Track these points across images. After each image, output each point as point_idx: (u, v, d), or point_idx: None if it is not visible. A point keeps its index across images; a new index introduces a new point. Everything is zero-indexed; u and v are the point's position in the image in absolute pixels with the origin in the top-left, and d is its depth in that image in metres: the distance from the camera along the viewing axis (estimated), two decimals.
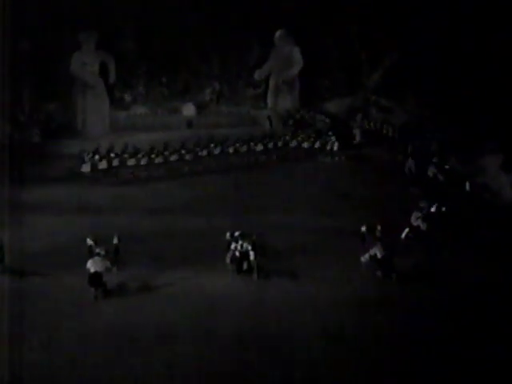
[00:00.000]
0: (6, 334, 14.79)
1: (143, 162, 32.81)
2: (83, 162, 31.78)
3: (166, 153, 34.11)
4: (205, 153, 35.04)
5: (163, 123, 46.14)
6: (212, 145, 35.83)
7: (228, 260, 17.81)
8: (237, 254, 17.82)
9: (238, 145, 36.48)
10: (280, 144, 37.58)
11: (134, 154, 33.18)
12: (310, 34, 45.51)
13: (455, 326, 15.09)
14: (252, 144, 36.60)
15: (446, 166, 27.88)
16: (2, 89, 35.18)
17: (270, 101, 47.14)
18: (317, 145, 37.31)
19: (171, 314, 15.77)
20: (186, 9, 47.37)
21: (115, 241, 17.62)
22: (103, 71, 45.01)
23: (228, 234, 18.40)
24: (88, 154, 32.85)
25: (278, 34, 45.63)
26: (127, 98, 48.46)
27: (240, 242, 17.82)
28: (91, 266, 16.26)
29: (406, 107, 43.67)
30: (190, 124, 45.98)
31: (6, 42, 40.34)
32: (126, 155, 32.99)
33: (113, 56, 45.10)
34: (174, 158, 34.02)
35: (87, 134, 43.23)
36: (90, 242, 17.53)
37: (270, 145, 37.38)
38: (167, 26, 47.56)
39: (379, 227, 18.81)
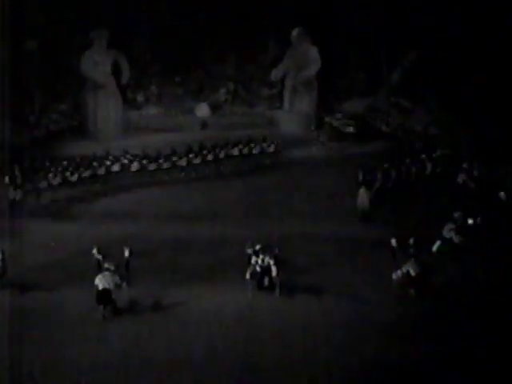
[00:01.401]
0: (7, 357, 13.51)
1: (165, 165, 31.52)
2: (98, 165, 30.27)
3: (183, 156, 32.58)
4: (222, 154, 33.44)
5: (176, 124, 44.95)
6: (228, 146, 34.24)
7: (248, 275, 16.36)
8: (257, 268, 16.40)
9: (252, 146, 34.96)
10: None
11: (154, 158, 31.87)
12: (327, 32, 44.07)
13: (499, 357, 13.54)
14: (265, 146, 35.12)
15: (475, 173, 26.27)
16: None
17: (286, 102, 45.70)
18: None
19: (185, 336, 14.40)
20: (200, 7, 46.39)
21: (126, 254, 16.20)
22: (116, 71, 43.92)
23: (248, 247, 16.95)
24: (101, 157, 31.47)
25: (294, 32, 44.13)
26: (139, 98, 47.31)
27: (261, 256, 16.41)
28: (99, 282, 14.91)
29: (428, 108, 42.19)
30: (204, 125, 44.78)
31: (11, 42, 39.77)
32: (145, 160, 31.51)
33: (125, 55, 43.91)
34: (194, 160, 32.44)
35: (98, 135, 42.07)
36: (97, 255, 16.13)
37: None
38: (181, 25, 46.67)
39: (412, 240, 17.28)
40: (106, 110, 42.71)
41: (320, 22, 43.81)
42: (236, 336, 14.48)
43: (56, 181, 27.24)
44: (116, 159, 31.40)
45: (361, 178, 26.15)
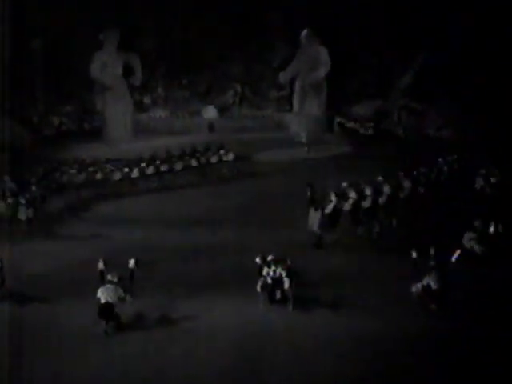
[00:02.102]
0: (6, 373, 12.69)
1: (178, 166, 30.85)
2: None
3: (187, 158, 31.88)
4: (231, 157, 32.74)
5: (184, 127, 44.68)
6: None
7: (259, 288, 15.46)
8: (269, 280, 15.51)
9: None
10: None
11: (167, 160, 31.38)
12: (336, 34, 43.28)
13: None
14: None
15: (492, 179, 25.28)
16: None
17: (295, 104, 44.96)
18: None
19: (194, 353, 13.50)
20: (207, 7, 45.72)
21: (131, 264, 15.26)
22: (126, 72, 43.58)
23: (259, 258, 16.05)
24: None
25: (303, 33, 43.44)
26: (146, 100, 46.63)
27: (273, 267, 15.51)
28: (101, 295, 14.03)
29: (440, 110, 41.35)
30: (211, 127, 44.14)
31: (14, 40, 39.29)
32: (157, 161, 30.71)
33: (139, 57, 43.44)
34: (196, 162, 31.77)
35: (107, 137, 41.61)
36: (101, 265, 15.24)
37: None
38: (187, 26, 46.00)
39: (432, 251, 16.35)
40: (114, 112, 42.40)
41: (329, 23, 43.21)
42: (247, 352, 13.60)
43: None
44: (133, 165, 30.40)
45: (308, 195, 23.19)
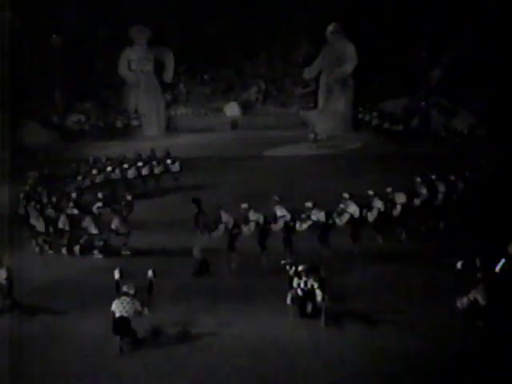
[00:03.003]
0: None
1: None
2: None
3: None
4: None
5: (206, 124, 43.71)
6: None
7: (289, 300, 14.11)
8: (299, 292, 14.17)
9: None
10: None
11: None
12: (363, 29, 41.87)
13: None
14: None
15: None
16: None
17: (320, 101, 43.58)
18: None
19: (216, 372, 12.25)
20: (231, 3, 44.74)
21: (150, 274, 13.99)
22: (158, 69, 43.51)
23: (290, 268, 14.67)
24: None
25: (329, 28, 42.19)
26: (167, 97, 45.56)
27: (304, 279, 14.17)
28: (116, 308, 12.79)
29: (473, 108, 39.70)
30: (234, 125, 42.97)
31: (35, 37, 38.66)
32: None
33: (171, 52, 43.30)
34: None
35: (140, 135, 41.41)
36: (117, 275, 13.98)
37: None
38: (210, 22, 45.02)
39: (478, 261, 14.88)
40: (148, 109, 42.32)
41: (355, 19, 41.97)
42: (276, 371, 12.32)
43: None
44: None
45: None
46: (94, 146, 37.24)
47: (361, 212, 18.83)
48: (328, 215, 18.31)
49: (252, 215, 18.14)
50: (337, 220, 18.43)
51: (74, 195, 21.68)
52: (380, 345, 13.32)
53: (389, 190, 20.33)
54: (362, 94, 42.99)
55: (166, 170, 28.37)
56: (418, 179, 21.51)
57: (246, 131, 41.60)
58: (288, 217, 18.14)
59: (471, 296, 13.73)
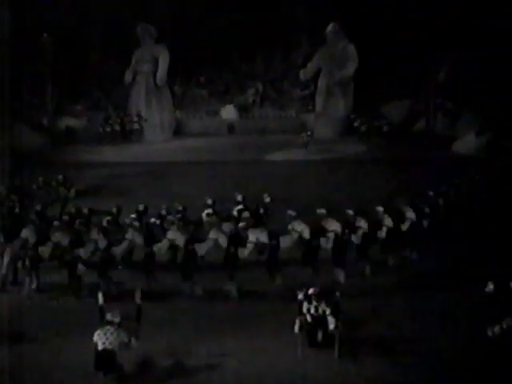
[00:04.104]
0: None
1: None
2: None
3: None
4: None
5: (202, 127, 42.04)
6: None
7: (297, 328, 12.39)
8: (308, 318, 12.46)
9: None
10: None
11: None
12: (364, 29, 40.14)
13: None
14: None
15: None
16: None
17: (318, 103, 41.96)
18: None
19: None
20: (226, 2, 43.07)
21: (137, 298, 12.14)
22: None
23: (300, 293, 12.88)
24: None
25: (329, 28, 40.72)
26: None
27: (314, 303, 12.46)
28: (99, 339, 11.06)
29: (479, 112, 38.14)
30: (231, 129, 41.31)
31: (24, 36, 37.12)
32: None
33: (167, 48, 41.11)
34: None
35: (142, 138, 39.66)
36: (100, 300, 12.19)
37: None
38: (205, 21, 43.37)
39: None
40: (150, 112, 40.37)
41: (355, 19, 40.19)
42: None
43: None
44: None
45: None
46: (86, 150, 35.77)
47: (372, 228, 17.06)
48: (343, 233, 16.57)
49: (252, 235, 16.34)
50: (352, 237, 16.65)
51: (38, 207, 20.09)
52: (401, 378, 11.69)
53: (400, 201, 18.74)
54: (363, 96, 40.94)
55: None
56: (431, 193, 19.94)
57: (243, 135, 40.09)
58: (307, 232, 16.38)
59: (505, 324, 12.07)
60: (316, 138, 37.03)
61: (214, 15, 43.49)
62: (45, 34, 40.02)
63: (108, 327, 11.22)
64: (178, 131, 41.77)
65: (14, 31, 36.15)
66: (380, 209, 17.94)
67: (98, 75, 43.10)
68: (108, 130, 39.60)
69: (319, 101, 41.74)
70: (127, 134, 39.58)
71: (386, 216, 17.62)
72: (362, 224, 17.10)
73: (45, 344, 12.88)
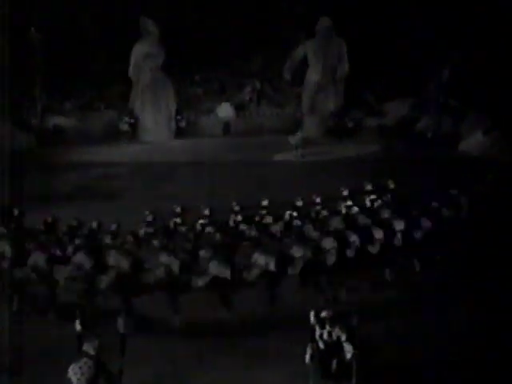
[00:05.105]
0: None
1: None
2: None
3: None
4: None
5: (197, 127, 40.72)
6: None
7: (308, 358, 10.62)
8: (321, 345, 10.71)
9: None
10: None
11: None
12: (362, 24, 39.28)
13: None
14: None
15: None
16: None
17: (305, 101, 40.71)
18: None
19: None
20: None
21: (121, 326, 10.14)
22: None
23: (312, 316, 11.09)
24: None
25: (321, 23, 39.72)
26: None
27: (328, 328, 10.71)
28: (74, 375, 9.26)
29: (484, 111, 36.81)
30: (227, 128, 39.89)
31: (11, 32, 35.67)
32: None
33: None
34: None
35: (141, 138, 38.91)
36: (78, 327, 10.30)
37: None
38: (200, 17, 42.11)
39: None
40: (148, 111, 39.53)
41: (352, 14, 39.24)
42: None
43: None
44: None
45: None
46: (77, 150, 34.58)
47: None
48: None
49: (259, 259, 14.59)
50: (369, 248, 14.98)
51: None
52: None
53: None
54: (358, 94, 40.46)
55: None
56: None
57: (239, 134, 39.00)
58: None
59: None
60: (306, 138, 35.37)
61: (209, 13, 42.29)
62: (32, 29, 38.65)
63: (85, 360, 9.40)
64: (175, 131, 40.70)
65: None
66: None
67: (89, 73, 41.49)
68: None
69: (306, 98, 40.64)
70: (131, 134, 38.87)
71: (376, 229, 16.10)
72: (355, 238, 15.67)
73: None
